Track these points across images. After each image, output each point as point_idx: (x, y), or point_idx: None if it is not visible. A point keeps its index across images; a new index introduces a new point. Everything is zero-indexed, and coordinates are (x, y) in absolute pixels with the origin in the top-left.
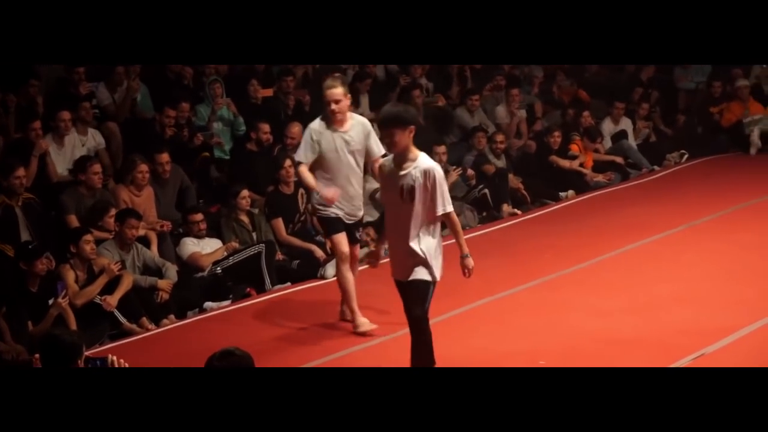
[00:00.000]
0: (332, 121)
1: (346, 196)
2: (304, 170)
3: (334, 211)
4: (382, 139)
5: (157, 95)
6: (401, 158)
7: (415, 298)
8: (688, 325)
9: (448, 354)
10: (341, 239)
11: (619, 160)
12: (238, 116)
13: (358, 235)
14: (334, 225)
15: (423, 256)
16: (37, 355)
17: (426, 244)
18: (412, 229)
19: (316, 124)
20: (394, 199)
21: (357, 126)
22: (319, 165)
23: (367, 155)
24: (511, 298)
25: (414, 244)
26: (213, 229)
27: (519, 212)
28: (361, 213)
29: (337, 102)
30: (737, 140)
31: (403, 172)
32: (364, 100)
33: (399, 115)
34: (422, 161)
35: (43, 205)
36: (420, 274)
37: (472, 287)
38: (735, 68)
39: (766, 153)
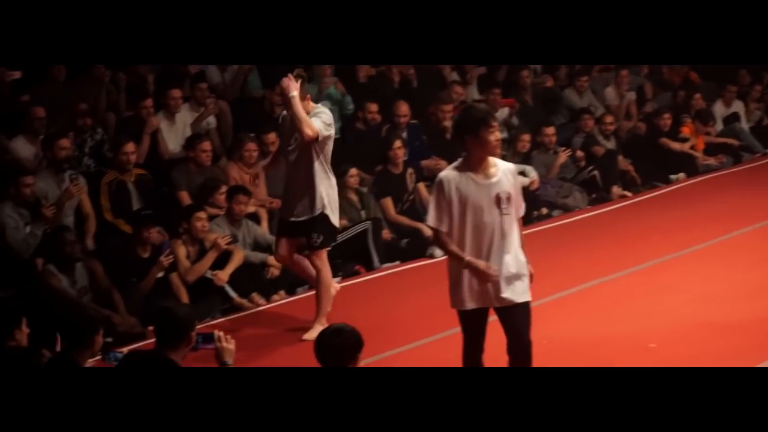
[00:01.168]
0: None
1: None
2: None
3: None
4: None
5: (265, 74)
6: (482, 166)
7: (527, 322)
8: None
9: (552, 333)
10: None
11: (732, 142)
12: (346, 95)
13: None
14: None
15: (525, 270)
16: (150, 328)
17: (522, 254)
18: (516, 241)
19: None
20: (485, 213)
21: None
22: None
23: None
24: (618, 281)
25: (520, 257)
26: None
27: (629, 194)
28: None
29: None
30: None
31: (493, 179)
32: (472, 89)
33: (459, 122)
34: (500, 162)
35: (155, 182)
36: (527, 293)
37: (578, 269)
38: None
39: None
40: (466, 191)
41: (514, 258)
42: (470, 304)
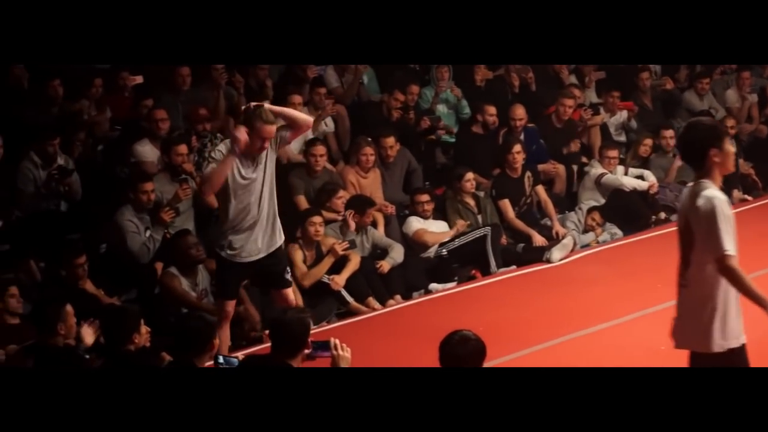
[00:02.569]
0: None
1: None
2: None
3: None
4: None
5: (383, 78)
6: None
7: None
8: None
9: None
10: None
11: None
12: (462, 99)
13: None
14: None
15: None
16: (266, 332)
17: None
18: None
19: None
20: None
21: None
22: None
23: None
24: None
25: None
26: (438, 210)
27: (750, 198)
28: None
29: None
30: None
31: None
32: (590, 92)
33: (700, 137)
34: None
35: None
36: None
37: None
38: None
39: None
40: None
41: None
42: (743, 337)
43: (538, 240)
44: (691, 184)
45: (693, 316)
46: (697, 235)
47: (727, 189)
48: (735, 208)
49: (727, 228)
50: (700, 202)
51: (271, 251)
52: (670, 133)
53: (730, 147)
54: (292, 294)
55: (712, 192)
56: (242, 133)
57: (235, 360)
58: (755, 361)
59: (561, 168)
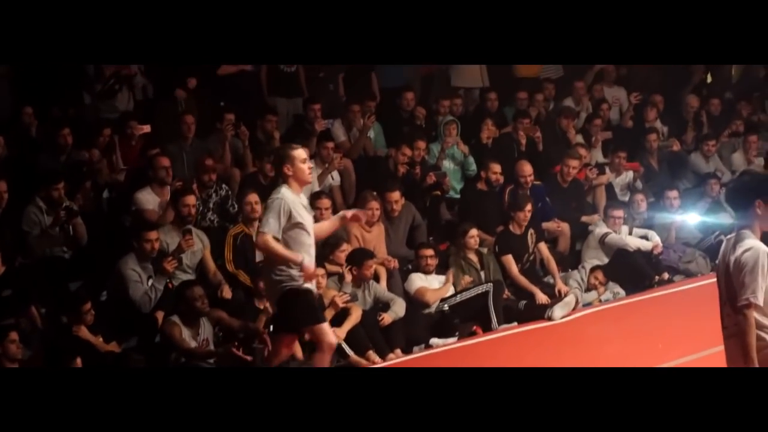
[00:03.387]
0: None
1: None
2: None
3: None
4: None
5: (390, 133)
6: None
7: None
8: None
9: None
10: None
11: None
12: (469, 156)
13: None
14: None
15: None
16: None
17: None
18: None
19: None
20: None
21: None
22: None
23: None
24: None
25: None
26: (441, 266)
27: None
28: None
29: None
30: None
31: None
32: (596, 152)
33: (751, 187)
34: None
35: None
36: None
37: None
38: None
39: None
40: None
41: None
42: None
43: (541, 297)
44: (732, 235)
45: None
46: (736, 283)
47: None
48: None
49: (760, 277)
50: (739, 251)
51: None
52: (674, 194)
53: None
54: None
55: (754, 242)
56: None
57: None
58: None
59: (565, 226)
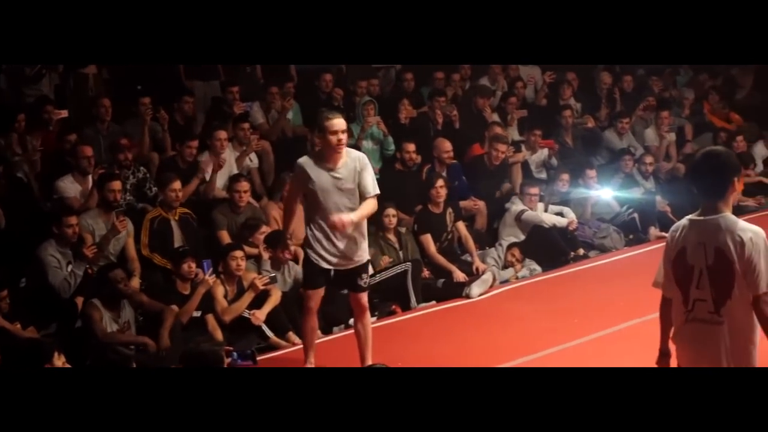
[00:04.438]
0: (324, 157)
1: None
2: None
3: (317, 258)
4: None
5: (308, 113)
6: None
7: None
8: None
9: None
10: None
11: None
12: (388, 136)
13: (362, 282)
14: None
15: None
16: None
17: None
18: None
19: (304, 160)
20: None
21: (350, 163)
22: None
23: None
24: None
25: None
26: None
27: (665, 235)
28: (361, 257)
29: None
30: None
31: None
32: (512, 130)
33: (728, 166)
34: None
35: (199, 221)
36: None
37: (618, 308)
38: None
39: None
40: None
41: None
42: None
43: (459, 275)
44: (712, 216)
45: (734, 353)
46: (741, 269)
47: (643, 227)
48: (652, 245)
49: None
50: (745, 235)
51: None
52: (593, 172)
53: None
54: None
55: (751, 225)
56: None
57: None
58: None
59: (482, 204)
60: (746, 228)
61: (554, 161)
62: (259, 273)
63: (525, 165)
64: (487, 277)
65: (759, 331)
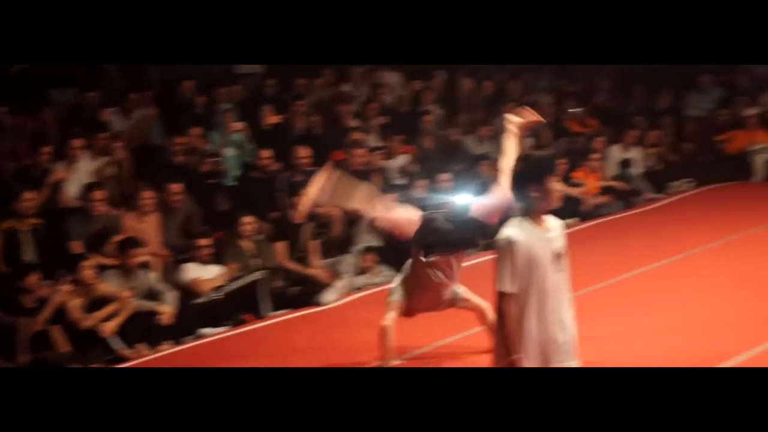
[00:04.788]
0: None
1: None
2: None
3: None
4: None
5: (168, 121)
6: (541, 219)
7: None
8: (691, 351)
9: None
10: None
11: (622, 186)
12: (249, 142)
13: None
14: None
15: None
16: None
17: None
18: (567, 303)
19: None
20: (548, 271)
21: None
22: None
23: None
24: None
25: (570, 322)
26: (217, 255)
27: None
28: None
29: None
30: (741, 168)
31: (551, 234)
32: (373, 136)
33: (524, 171)
34: (550, 216)
35: (51, 230)
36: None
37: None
38: (742, 96)
39: None
40: (531, 248)
41: (570, 321)
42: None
43: (313, 283)
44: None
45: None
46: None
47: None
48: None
49: (509, 266)
50: (498, 237)
51: None
52: (446, 176)
53: (554, 185)
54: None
55: (511, 229)
56: None
57: None
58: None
59: (338, 211)
60: (502, 232)
61: (414, 167)
62: (110, 282)
63: (385, 171)
64: (342, 283)
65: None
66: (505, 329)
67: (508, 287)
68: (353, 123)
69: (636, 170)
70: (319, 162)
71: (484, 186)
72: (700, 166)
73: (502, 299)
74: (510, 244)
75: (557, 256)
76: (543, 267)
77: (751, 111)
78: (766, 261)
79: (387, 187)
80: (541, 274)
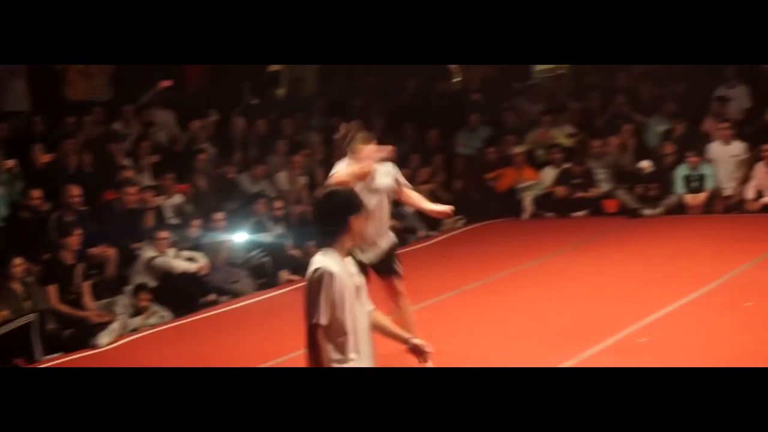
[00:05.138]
0: None
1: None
2: None
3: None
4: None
5: None
6: (346, 253)
7: None
8: None
9: None
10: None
11: (396, 224)
12: (18, 181)
13: (395, 266)
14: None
15: None
16: None
17: None
18: (371, 338)
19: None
20: (357, 305)
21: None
22: None
23: None
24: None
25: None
26: None
27: (297, 278)
28: (382, 242)
29: None
30: (511, 205)
31: (353, 269)
32: (144, 176)
33: (338, 205)
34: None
35: None
36: None
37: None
38: (510, 135)
39: (538, 218)
40: (343, 282)
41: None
42: None
43: (87, 325)
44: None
45: None
46: (306, 300)
47: (275, 270)
48: (283, 288)
49: (321, 299)
50: (310, 270)
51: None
52: (220, 215)
53: (360, 220)
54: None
55: (323, 262)
56: None
57: None
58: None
59: (112, 251)
60: (315, 262)
61: (189, 206)
62: None
63: (159, 210)
64: (116, 325)
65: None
66: (318, 362)
67: (323, 319)
68: (125, 161)
69: (408, 207)
70: (90, 201)
71: (260, 224)
72: (471, 203)
73: (315, 332)
74: (327, 276)
75: (358, 290)
76: (351, 300)
77: (518, 149)
78: (534, 296)
79: (161, 226)
80: (350, 308)
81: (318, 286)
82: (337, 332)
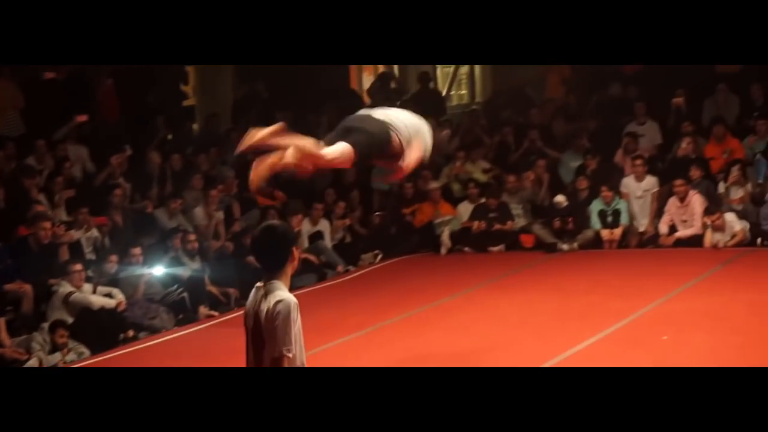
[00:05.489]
0: None
1: None
2: None
3: None
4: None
5: None
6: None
7: None
8: None
9: None
10: None
11: (313, 259)
12: None
13: None
14: None
15: None
16: None
17: None
18: None
19: None
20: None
21: None
22: None
23: None
24: None
25: None
26: None
27: (216, 314)
28: None
29: None
30: (429, 240)
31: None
32: (60, 210)
33: (283, 238)
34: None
35: None
36: None
37: None
38: (425, 170)
39: (455, 253)
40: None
41: None
42: None
43: (4, 361)
44: (267, 284)
45: None
46: (266, 333)
47: (193, 305)
48: (202, 323)
49: (292, 331)
50: (272, 302)
51: None
52: (138, 250)
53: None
54: None
55: (284, 293)
56: None
57: None
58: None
59: (28, 287)
60: (278, 295)
61: (106, 241)
62: None
63: (76, 245)
64: (33, 362)
65: None
66: None
67: (294, 350)
68: (40, 197)
69: (326, 243)
70: (4, 237)
71: (177, 259)
72: (389, 237)
73: (282, 363)
74: (294, 307)
75: None
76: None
77: (434, 184)
78: (452, 331)
79: (77, 260)
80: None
81: (287, 317)
82: (294, 364)
